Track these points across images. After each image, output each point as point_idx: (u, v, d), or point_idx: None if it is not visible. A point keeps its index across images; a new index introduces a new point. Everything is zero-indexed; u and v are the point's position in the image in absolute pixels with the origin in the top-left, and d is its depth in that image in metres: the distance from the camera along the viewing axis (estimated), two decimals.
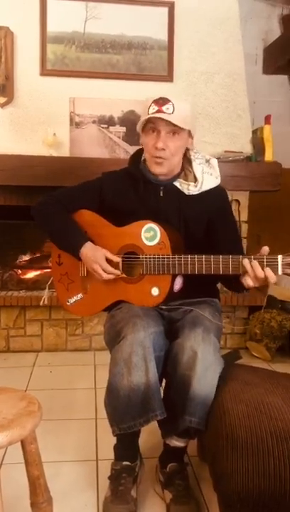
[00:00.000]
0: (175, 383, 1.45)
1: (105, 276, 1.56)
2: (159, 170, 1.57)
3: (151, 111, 1.50)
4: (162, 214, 1.58)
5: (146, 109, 1.52)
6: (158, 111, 1.49)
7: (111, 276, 1.56)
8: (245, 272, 1.39)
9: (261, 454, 1.18)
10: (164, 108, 1.49)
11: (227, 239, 1.61)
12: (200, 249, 1.49)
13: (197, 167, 1.61)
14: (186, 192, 1.61)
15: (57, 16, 2.89)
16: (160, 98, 1.51)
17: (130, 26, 2.95)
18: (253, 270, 1.37)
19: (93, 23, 2.94)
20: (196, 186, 1.60)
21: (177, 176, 1.62)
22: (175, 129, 1.51)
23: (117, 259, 1.57)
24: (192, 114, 1.61)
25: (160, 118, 1.49)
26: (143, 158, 1.65)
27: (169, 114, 1.48)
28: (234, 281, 1.48)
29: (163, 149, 1.52)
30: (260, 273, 1.35)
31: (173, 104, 1.50)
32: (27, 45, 2.89)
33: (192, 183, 1.60)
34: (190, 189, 1.60)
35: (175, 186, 1.62)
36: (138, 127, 1.57)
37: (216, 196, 1.63)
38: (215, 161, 1.65)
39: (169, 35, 2.97)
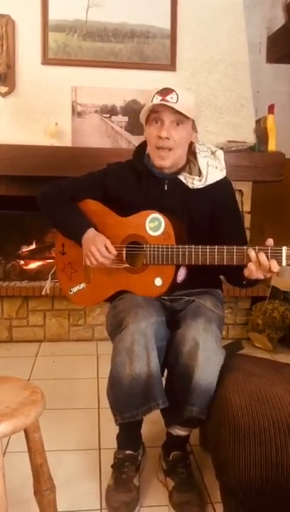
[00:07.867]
0: (177, 373, 1.45)
1: (100, 259, 1.53)
2: (162, 163, 1.55)
3: (154, 101, 1.49)
4: (167, 208, 1.57)
5: (149, 100, 1.51)
6: (162, 100, 1.48)
7: (109, 258, 1.54)
8: (249, 262, 1.38)
9: (263, 443, 1.19)
10: (168, 97, 1.48)
11: (231, 231, 1.59)
12: (204, 241, 1.48)
13: (202, 160, 1.59)
14: (191, 186, 1.59)
15: (59, 4, 2.86)
16: (164, 88, 1.51)
17: (132, 14, 2.92)
18: (257, 259, 1.36)
19: (95, 11, 2.91)
20: (201, 180, 1.58)
21: (182, 169, 1.60)
22: (179, 119, 1.50)
23: (115, 251, 1.55)
24: (196, 104, 1.59)
25: (164, 106, 1.48)
26: (147, 152, 1.63)
27: (173, 103, 1.47)
28: (236, 274, 1.46)
29: (167, 138, 1.50)
30: (264, 261, 1.35)
31: (177, 94, 1.49)
32: (28, 34, 2.87)
33: (196, 177, 1.58)
34: (195, 183, 1.58)
35: (180, 180, 1.60)
36: (142, 117, 1.56)
37: (221, 189, 1.61)
38: (220, 153, 1.63)
39: (172, 23, 2.94)
